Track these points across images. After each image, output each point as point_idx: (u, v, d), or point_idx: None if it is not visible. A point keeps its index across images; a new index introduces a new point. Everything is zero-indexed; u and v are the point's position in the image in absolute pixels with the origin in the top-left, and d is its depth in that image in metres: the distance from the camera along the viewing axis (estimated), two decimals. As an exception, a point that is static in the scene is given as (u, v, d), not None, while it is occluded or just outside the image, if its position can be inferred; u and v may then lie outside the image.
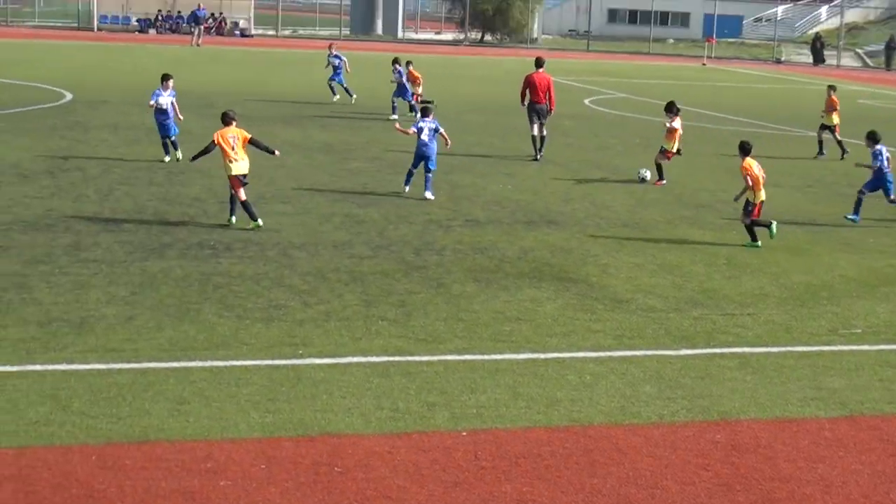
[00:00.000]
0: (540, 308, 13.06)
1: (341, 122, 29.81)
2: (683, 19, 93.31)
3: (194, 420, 9.22)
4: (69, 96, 32.34)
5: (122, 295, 12.70)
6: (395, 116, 30.50)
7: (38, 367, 10.22)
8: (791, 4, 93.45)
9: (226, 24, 72.83)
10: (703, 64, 67.51)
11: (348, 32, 77.31)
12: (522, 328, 12.23)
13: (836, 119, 27.15)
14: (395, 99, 31.21)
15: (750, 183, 16.71)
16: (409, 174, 19.97)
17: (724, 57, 74.80)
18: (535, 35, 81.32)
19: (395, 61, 31.68)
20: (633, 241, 16.93)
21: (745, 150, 17.08)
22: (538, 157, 24.57)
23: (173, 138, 21.78)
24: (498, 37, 79.96)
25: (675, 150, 22.00)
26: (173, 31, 70.94)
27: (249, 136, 16.32)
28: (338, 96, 34.44)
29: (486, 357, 11.19)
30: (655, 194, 20.83)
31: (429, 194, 19.47)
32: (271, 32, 75.48)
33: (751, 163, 16.85)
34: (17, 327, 11.33)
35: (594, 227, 17.85)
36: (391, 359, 10.98)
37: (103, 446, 8.65)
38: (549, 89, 24.83)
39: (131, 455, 8.52)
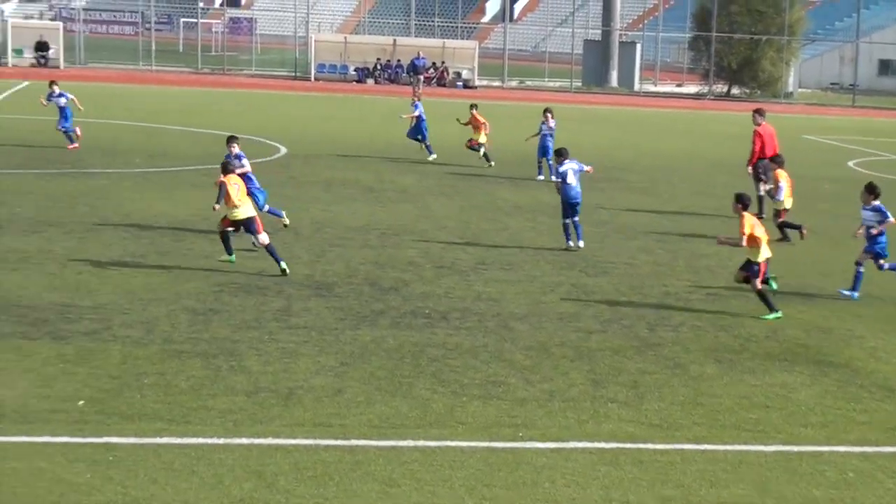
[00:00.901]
0: (792, 394, 12.74)
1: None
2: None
3: (404, 504, 9.37)
4: (283, 150, 33.72)
5: (331, 365, 13.09)
6: (542, 177, 29.72)
7: (244, 441, 10.63)
8: None
9: (447, 74, 74.48)
10: None
11: (580, 84, 77.77)
12: (771, 416, 11.95)
13: None
14: (541, 159, 29.88)
15: (743, 242, 16.07)
16: (566, 227, 20.50)
17: None
18: (789, 88, 79.64)
19: (547, 111, 29.94)
20: (904, 321, 16.33)
21: (743, 202, 16.42)
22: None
23: (266, 207, 20.92)
24: (747, 90, 78.76)
25: (788, 206, 22.36)
26: (391, 81, 73.02)
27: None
28: (434, 155, 32.94)
29: (728, 447, 10.99)
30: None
31: (583, 243, 20.37)
32: (496, 83, 76.74)
33: (748, 218, 16.23)
34: (226, 397, 11.83)
35: (859, 303, 17.28)
36: (621, 445, 10.91)
37: (308, 527, 8.91)
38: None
39: (337, 538, 8.72)
